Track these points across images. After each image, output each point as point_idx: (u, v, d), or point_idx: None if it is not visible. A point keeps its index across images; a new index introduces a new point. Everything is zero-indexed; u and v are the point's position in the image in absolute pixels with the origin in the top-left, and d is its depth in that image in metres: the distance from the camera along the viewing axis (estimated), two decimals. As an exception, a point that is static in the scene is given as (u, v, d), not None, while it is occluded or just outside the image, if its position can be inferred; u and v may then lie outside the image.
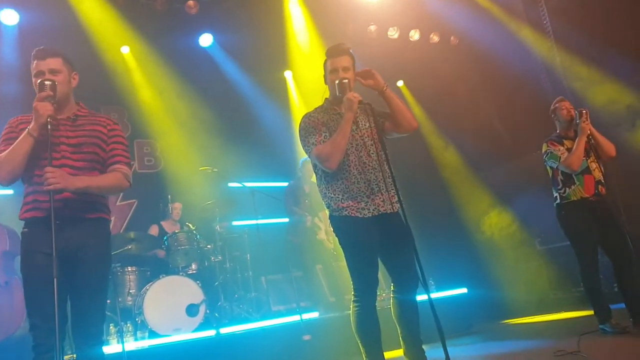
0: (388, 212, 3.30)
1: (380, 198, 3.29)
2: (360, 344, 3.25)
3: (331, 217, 3.41)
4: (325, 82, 3.49)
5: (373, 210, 3.28)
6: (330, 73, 3.40)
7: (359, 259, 3.27)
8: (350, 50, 3.44)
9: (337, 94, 3.31)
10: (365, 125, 3.42)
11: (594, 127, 4.58)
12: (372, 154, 3.34)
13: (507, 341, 5.25)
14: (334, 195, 3.34)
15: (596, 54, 7.09)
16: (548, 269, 7.52)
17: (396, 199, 3.25)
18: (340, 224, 3.35)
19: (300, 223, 6.73)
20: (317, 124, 3.36)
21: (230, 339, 5.15)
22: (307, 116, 3.44)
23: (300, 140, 3.41)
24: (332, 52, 3.41)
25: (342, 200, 3.31)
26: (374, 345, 3.23)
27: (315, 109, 3.51)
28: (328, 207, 3.42)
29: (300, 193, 6.90)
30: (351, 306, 3.28)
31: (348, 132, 3.25)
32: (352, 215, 3.27)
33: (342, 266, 7.54)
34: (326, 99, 3.54)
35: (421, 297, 3.33)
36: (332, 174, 3.33)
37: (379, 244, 3.31)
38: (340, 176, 3.32)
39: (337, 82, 3.31)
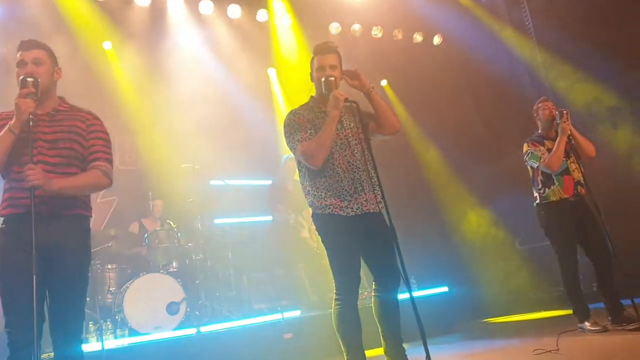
0: (371, 211, 3.30)
1: (363, 197, 3.29)
2: (341, 342, 3.25)
3: (314, 215, 3.41)
4: (312, 80, 3.48)
5: (356, 209, 3.27)
6: (316, 70, 3.40)
7: (341, 257, 3.27)
8: (338, 49, 3.44)
9: (324, 91, 3.30)
10: (350, 124, 3.41)
11: (575, 128, 4.63)
12: (357, 153, 3.34)
13: (487, 340, 5.28)
14: (318, 193, 3.34)
15: (577, 55, 7.17)
16: (528, 268, 7.59)
17: (380, 198, 3.26)
18: (323, 222, 3.34)
19: (283, 221, 6.71)
20: (302, 121, 3.35)
21: (211, 337, 5.12)
22: (292, 113, 3.43)
23: (285, 137, 3.39)
24: (320, 50, 3.41)
25: (326, 198, 3.30)
26: (355, 344, 3.23)
27: (301, 106, 3.50)
28: (311, 205, 3.41)
29: (283, 191, 6.87)
30: (333, 304, 3.27)
31: (333, 130, 3.25)
32: (335, 213, 3.27)
33: (325, 264, 7.49)
34: (312, 96, 3.52)
35: (402, 296, 3.32)
36: (317, 171, 3.33)
37: (362, 243, 3.31)
38: (324, 174, 3.32)
39: (323, 79, 3.30)
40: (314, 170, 3.34)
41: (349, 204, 3.28)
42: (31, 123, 2.75)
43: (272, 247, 6.90)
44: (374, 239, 3.31)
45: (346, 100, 3.23)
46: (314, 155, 3.23)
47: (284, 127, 3.40)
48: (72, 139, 2.93)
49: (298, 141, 3.30)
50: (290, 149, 3.39)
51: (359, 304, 3.32)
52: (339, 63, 3.42)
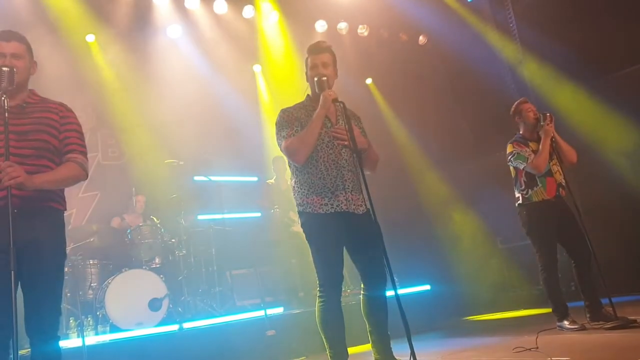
0: (352, 211, 3.33)
1: (344, 196, 3.32)
2: (324, 339, 3.27)
3: (298, 211, 3.44)
4: (307, 80, 3.54)
5: (336, 207, 3.30)
6: (310, 69, 3.46)
7: (322, 254, 3.30)
8: (331, 48, 3.50)
9: (316, 90, 3.36)
10: (342, 124, 3.43)
11: (557, 132, 4.70)
12: (344, 152, 3.36)
13: (468, 337, 5.34)
14: (301, 189, 3.38)
15: (559, 56, 7.27)
16: (509, 267, 7.68)
17: (363, 200, 3.29)
18: (305, 219, 3.39)
19: (271, 216, 6.76)
20: (290, 119, 3.40)
21: (194, 333, 5.09)
22: (283, 111, 3.49)
23: (275, 134, 3.44)
24: (313, 49, 3.48)
25: (308, 195, 3.35)
26: (338, 340, 3.25)
27: (295, 104, 3.55)
28: (296, 201, 3.45)
29: (277, 190, 6.94)
30: (316, 301, 3.30)
31: (317, 128, 3.29)
32: (314, 212, 3.31)
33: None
34: (307, 95, 3.57)
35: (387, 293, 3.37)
36: (301, 168, 3.37)
37: (346, 241, 3.35)
38: (307, 171, 3.36)
39: (316, 79, 3.36)
40: (299, 167, 3.39)
41: (328, 201, 3.31)
42: (6, 114, 2.70)
43: (258, 244, 6.90)
44: (359, 238, 3.34)
45: (335, 100, 3.27)
46: (296, 152, 3.29)
47: (275, 124, 3.46)
48: (43, 131, 2.88)
49: (283, 137, 3.35)
50: (278, 146, 3.43)
51: (343, 302, 3.34)
52: (333, 62, 3.48)
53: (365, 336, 3.45)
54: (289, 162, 3.54)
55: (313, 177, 3.34)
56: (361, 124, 3.66)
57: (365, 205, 3.34)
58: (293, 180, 3.47)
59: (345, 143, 3.30)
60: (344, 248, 3.37)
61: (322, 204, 3.30)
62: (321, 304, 3.26)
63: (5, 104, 2.72)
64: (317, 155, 3.33)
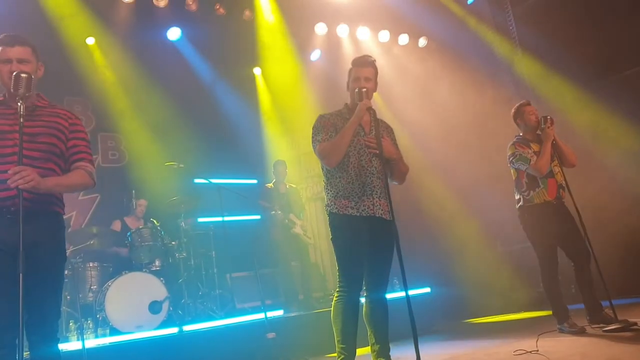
0: (377, 216, 3.44)
1: (370, 201, 3.45)
2: (335, 333, 3.36)
3: (328, 212, 3.59)
4: (347, 89, 3.67)
5: (362, 211, 3.43)
6: (353, 81, 3.60)
7: (346, 254, 3.44)
8: (375, 63, 3.64)
9: (357, 101, 3.46)
10: (374, 133, 3.51)
11: (557, 134, 4.70)
12: (374, 160, 3.49)
13: (468, 340, 5.33)
14: (331, 191, 3.54)
15: (559, 59, 7.28)
16: (509, 269, 7.67)
17: (388, 207, 3.37)
18: (332, 220, 3.53)
19: (272, 218, 6.78)
20: (326, 124, 3.56)
21: (194, 336, 5.09)
22: (320, 116, 3.64)
23: (311, 137, 3.59)
24: (358, 62, 3.63)
25: (336, 197, 3.50)
26: (350, 336, 3.35)
27: (333, 112, 3.68)
28: (326, 202, 3.60)
29: (275, 194, 6.97)
30: (334, 296, 3.42)
31: (349, 134, 3.43)
32: (341, 213, 3.45)
33: (314, 264, 7.57)
34: (346, 104, 3.70)
35: (395, 294, 3.44)
36: (333, 171, 3.53)
37: (368, 244, 3.46)
38: (338, 175, 3.51)
39: (356, 90, 3.47)
40: (330, 170, 3.54)
41: (355, 205, 3.44)
42: (21, 120, 2.72)
43: (258, 246, 6.90)
44: (376, 243, 3.46)
45: (369, 108, 3.40)
46: (328, 156, 3.45)
47: (312, 128, 3.60)
48: (52, 134, 2.90)
49: (318, 142, 3.50)
50: (313, 149, 3.57)
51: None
52: (374, 76, 3.62)
53: (364, 339, 3.48)
54: (321, 165, 3.66)
55: (343, 180, 3.48)
56: (393, 135, 3.82)
57: (385, 213, 3.46)
58: (325, 182, 3.62)
59: (376, 151, 3.43)
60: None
61: (348, 207, 3.44)
62: (340, 299, 3.39)
63: (22, 110, 2.74)
64: (348, 160, 3.47)
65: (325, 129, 3.52)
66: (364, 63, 3.60)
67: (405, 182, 3.74)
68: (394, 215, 3.26)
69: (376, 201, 3.45)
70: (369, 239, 3.45)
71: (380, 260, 3.47)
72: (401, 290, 6.36)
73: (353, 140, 3.46)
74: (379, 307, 3.48)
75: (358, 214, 3.42)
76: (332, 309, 3.41)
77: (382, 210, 3.46)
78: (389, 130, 3.80)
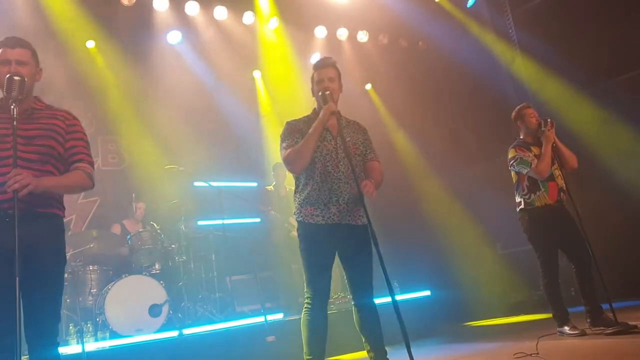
0: (345, 223, 3.35)
1: (337, 208, 3.34)
2: (304, 345, 3.31)
3: (296, 220, 3.50)
4: (313, 94, 3.59)
5: (327, 219, 3.33)
6: (317, 84, 3.51)
7: (312, 265, 3.35)
8: (336, 64, 3.57)
9: (322, 104, 3.40)
10: (346, 137, 3.44)
11: (558, 137, 4.70)
12: (341, 165, 3.38)
13: (468, 343, 5.33)
14: (298, 198, 3.45)
15: (558, 64, 7.29)
16: (509, 272, 7.67)
17: (360, 212, 3.32)
18: (299, 228, 3.45)
19: (271, 221, 6.78)
20: (292, 130, 3.46)
21: (193, 339, 5.09)
22: (287, 123, 3.56)
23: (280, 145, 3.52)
24: (319, 65, 3.55)
25: (302, 205, 3.41)
26: (317, 348, 3.29)
27: (301, 117, 3.60)
28: (294, 210, 3.51)
29: (275, 197, 6.95)
30: (303, 309, 3.36)
31: (313, 140, 3.33)
32: (307, 221, 3.37)
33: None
34: (314, 109, 3.62)
35: (384, 300, 3.40)
36: (300, 178, 3.46)
37: (340, 252, 3.40)
38: (304, 181, 3.43)
39: (320, 93, 3.42)
40: (297, 177, 3.48)
41: (320, 213, 3.34)
42: (15, 122, 2.71)
43: (258, 249, 6.89)
44: (348, 249, 3.39)
45: (334, 112, 3.32)
46: (293, 162, 3.37)
47: (280, 135, 3.53)
48: (49, 136, 2.88)
49: (284, 148, 3.42)
50: (280, 156, 3.50)
51: (337, 307, 3.36)
52: (338, 76, 3.54)
53: (359, 344, 3.45)
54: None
55: (309, 187, 3.39)
56: (367, 135, 3.67)
57: (361, 219, 3.37)
58: (294, 189, 3.54)
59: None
60: (338, 257, 3.42)
61: (314, 215, 3.35)
62: (305, 311, 3.33)
63: (15, 113, 2.73)
64: (314, 167, 3.38)
65: (292, 135, 3.43)
66: (326, 64, 3.53)
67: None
68: (369, 218, 3.15)
69: (343, 207, 3.34)
70: (341, 247, 3.37)
71: (357, 267, 3.38)
72: (402, 293, 6.40)
73: (319, 146, 3.36)
74: (368, 313, 3.36)
75: (324, 222, 3.32)
76: (301, 322, 3.33)
77: (350, 216, 3.36)
78: (362, 131, 3.65)
